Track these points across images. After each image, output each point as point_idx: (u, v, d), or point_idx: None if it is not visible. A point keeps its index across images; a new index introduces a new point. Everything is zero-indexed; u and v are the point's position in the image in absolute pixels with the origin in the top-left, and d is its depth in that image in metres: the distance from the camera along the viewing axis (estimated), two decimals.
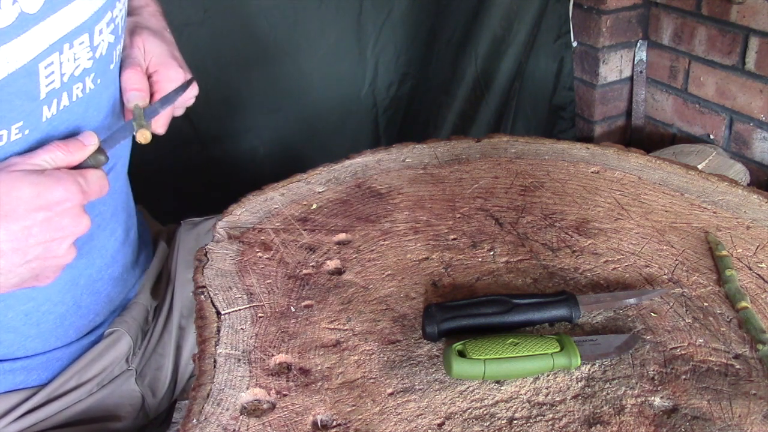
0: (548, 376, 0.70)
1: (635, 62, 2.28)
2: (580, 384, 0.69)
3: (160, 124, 0.86)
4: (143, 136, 0.79)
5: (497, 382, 0.69)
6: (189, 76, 0.90)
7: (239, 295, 0.81)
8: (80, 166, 0.74)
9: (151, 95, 0.87)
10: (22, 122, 0.73)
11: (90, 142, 0.75)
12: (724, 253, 0.84)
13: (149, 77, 0.88)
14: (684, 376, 0.70)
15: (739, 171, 1.99)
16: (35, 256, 0.69)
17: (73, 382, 0.90)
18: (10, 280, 0.70)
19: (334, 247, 0.89)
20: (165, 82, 0.87)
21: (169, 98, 0.86)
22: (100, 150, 0.76)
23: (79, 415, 0.91)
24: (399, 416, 0.66)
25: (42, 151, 0.71)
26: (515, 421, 0.66)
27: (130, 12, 0.92)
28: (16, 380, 0.87)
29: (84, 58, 0.78)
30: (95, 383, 0.92)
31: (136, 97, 0.84)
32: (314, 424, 0.66)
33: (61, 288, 0.85)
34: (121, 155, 0.93)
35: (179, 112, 0.92)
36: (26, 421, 0.86)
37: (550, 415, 0.66)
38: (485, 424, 0.65)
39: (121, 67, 0.86)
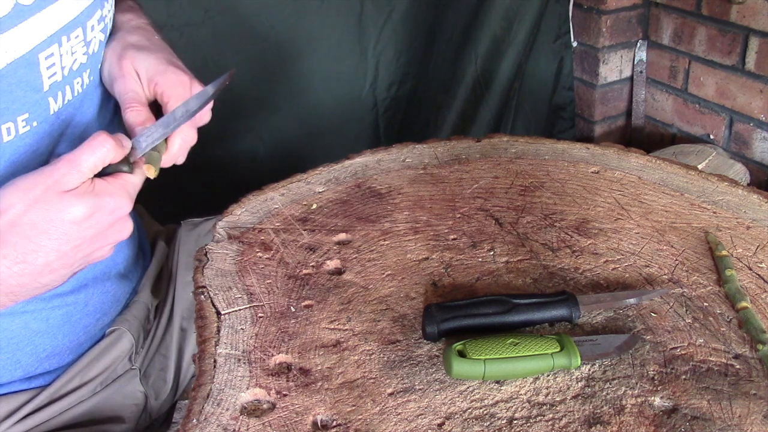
0: (548, 376, 0.70)
1: (635, 62, 2.28)
2: (580, 384, 0.69)
3: (186, 135, 0.82)
4: (150, 171, 0.76)
5: (497, 382, 0.69)
6: (191, 77, 0.85)
7: (239, 295, 0.81)
8: (104, 171, 0.72)
9: (164, 106, 0.83)
10: (27, 114, 0.74)
11: (128, 144, 0.73)
12: (724, 253, 0.84)
13: (154, 92, 0.83)
14: (684, 376, 0.70)
15: (739, 171, 1.99)
16: (80, 263, 0.72)
17: (76, 382, 0.90)
18: (54, 284, 0.73)
19: (334, 247, 0.89)
20: (170, 89, 0.82)
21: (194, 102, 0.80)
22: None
23: (83, 416, 0.91)
24: (399, 416, 0.66)
25: (87, 150, 0.69)
26: (515, 421, 0.66)
27: (113, 32, 0.88)
28: (23, 373, 0.87)
29: (80, 52, 0.80)
30: (98, 382, 0.92)
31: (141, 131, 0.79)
32: (314, 424, 0.66)
33: (72, 289, 0.87)
34: None
35: (206, 118, 0.87)
36: (30, 423, 0.86)
37: (550, 415, 0.66)
38: (485, 424, 0.65)
39: (121, 107, 0.82)
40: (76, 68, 0.80)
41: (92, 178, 0.69)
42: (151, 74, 0.83)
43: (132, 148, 0.74)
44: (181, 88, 0.83)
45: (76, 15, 0.78)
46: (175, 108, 0.80)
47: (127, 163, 0.73)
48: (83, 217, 0.68)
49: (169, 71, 0.83)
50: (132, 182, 0.73)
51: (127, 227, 0.73)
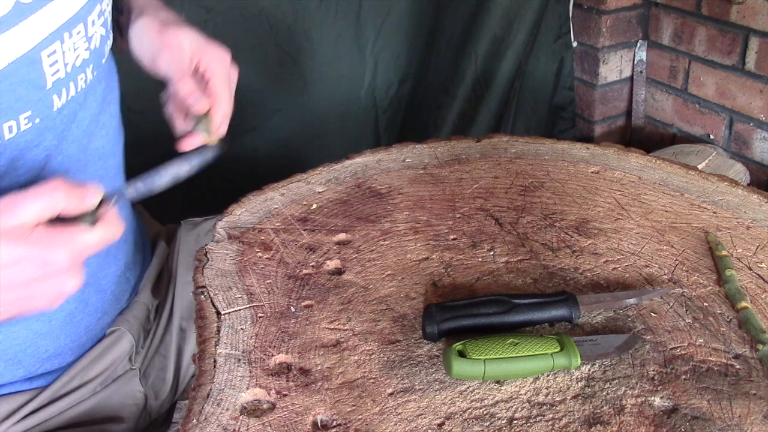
0: (548, 376, 0.70)
1: (635, 62, 2.28)
2: (580, 384, 0.69)
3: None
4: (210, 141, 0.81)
5: (497, 382, 0.69)
6: (229, 56, 0.87)
7: (239, 295, 0.81)
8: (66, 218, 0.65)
9: (207, 82, 0.85)
10: (30, 112, 0.74)
11: (95, 198, 0.66)
12: (724, 253, 0.84)
13: (196, 67, 0.85)
14: (684, 376, 0.70)
15: (739, 171, 1.99)
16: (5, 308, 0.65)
17: (76, 382, 0.90)
18: None
19: (334, 247, 0.89)
20: (213, 65, 0.85)
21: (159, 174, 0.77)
22: (101, 204, 0.66)
23: (82, 416, 0.91)
24: (399, 416, 0.66)
25: (32, 195, 0.62)
26: (515, 421, 0.66)
27: (138, 14, 0.90)
28: (24, 373, 0.86)
29: (82, 48, 0.80)
30: (98, 382, 0.92)
31: (195, 101, 0.82)
32: (314, 424, 0.66)
33: None
34: (115, 151, 0.93)
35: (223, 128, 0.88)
36: (29, 422, 0.86)
37: (550, 415, 0.66)
38: (485, 424, 0.65)
39: (171, 79, 0.84)
40: (79, 64, 0.80)
41: (40, 223, 0.63)
42: (195, 49, 0.85)
43: (103, 200, 0.66)
44: (223, 66, 0.85)
45: (77, 11, 0.78)
46: (166, 166, 0.77)
47: (91, 215, 0.65)
48: (5, 263, 0.61)
49: (211, 48, 0.86)
50: (83, 239, 0.64)
51: (68, 283, 0.65)
